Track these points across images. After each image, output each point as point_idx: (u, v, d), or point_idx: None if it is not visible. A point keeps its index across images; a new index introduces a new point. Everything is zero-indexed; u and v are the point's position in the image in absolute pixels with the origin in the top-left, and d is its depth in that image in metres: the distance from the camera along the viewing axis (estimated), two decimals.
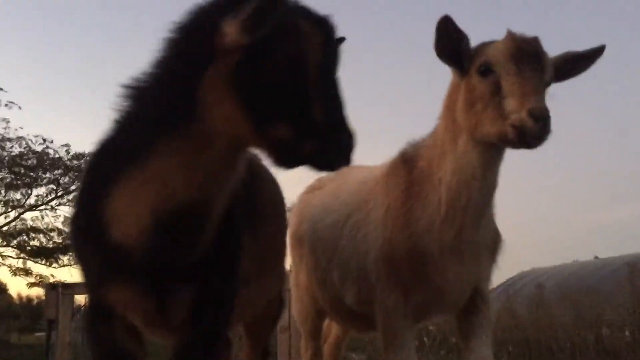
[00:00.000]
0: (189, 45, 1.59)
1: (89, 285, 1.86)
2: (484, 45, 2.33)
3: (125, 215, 1.63)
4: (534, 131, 2.06)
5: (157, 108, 1.61)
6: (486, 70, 2.24)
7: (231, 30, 1.48)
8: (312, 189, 3.40)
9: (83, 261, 1.87)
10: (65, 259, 15.87)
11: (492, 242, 2.62)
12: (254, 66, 1.50)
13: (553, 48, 2.33)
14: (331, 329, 3.72)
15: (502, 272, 2.87)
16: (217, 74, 1.52)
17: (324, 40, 1.58)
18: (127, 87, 1.71)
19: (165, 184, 1.58)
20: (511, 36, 2.25)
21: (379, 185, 2.74)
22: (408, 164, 2.62)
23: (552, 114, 2.10)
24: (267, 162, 1.66)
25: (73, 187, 15.89)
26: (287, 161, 1.60)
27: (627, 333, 6.82)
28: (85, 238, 1.80)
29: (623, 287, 7.92)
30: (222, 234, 1.77)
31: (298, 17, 1.55)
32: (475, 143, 2.31)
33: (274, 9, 1.47)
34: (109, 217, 1.66)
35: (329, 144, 1.54)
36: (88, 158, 1.92)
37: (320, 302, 3.22)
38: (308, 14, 1.58)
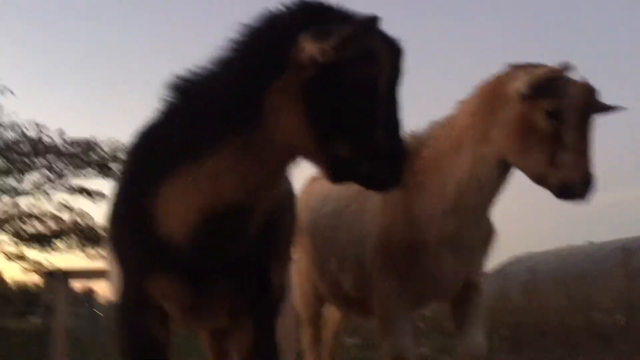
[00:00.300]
0: (263, 52, 1.57)
1: (128, 277, 1.89)
2: (555, 82, 2.22)
3: (175, 211, 1.66)
4: (578, 194, 2.16)
5: (222, 108, 1.60)
6: (554, 115, 2.20)
7: (310, 48, 1.47)
8: (313, 180, 3.41)
9: (123, 253, 1.89)
10: (60, 244, 15.82)
11: (486, 235, 2.66)
12: (327, 83, 1.50)
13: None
14: (331, 315, 3.76)
15: (497, 256, 2.93)
16: (288, 85, 1.52)
17: (394, 64, 1.58)
18: (182, 79, 1.70)
19: (217, 184, 1.60)
20: (587, 89, 2.23)
21: None
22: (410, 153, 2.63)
23: None
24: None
25: (67, 172, 15.81)
26: (341, 177, 1.62)
27: (619, 317, 6.89)
28: (129, 231, 1.82)
29: (616, 271, 8.00)
30: (262, 234, 1.80)
31: (373, 38, 1.54)
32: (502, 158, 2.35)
33: (362, 39, 1.48)
34: (157, 211, 1.68)
35: (386, 168, 1.57)
36: (129, 149, 1.92)
37: (320, 289, 3.26)
38: (382, 36, 1.57)
